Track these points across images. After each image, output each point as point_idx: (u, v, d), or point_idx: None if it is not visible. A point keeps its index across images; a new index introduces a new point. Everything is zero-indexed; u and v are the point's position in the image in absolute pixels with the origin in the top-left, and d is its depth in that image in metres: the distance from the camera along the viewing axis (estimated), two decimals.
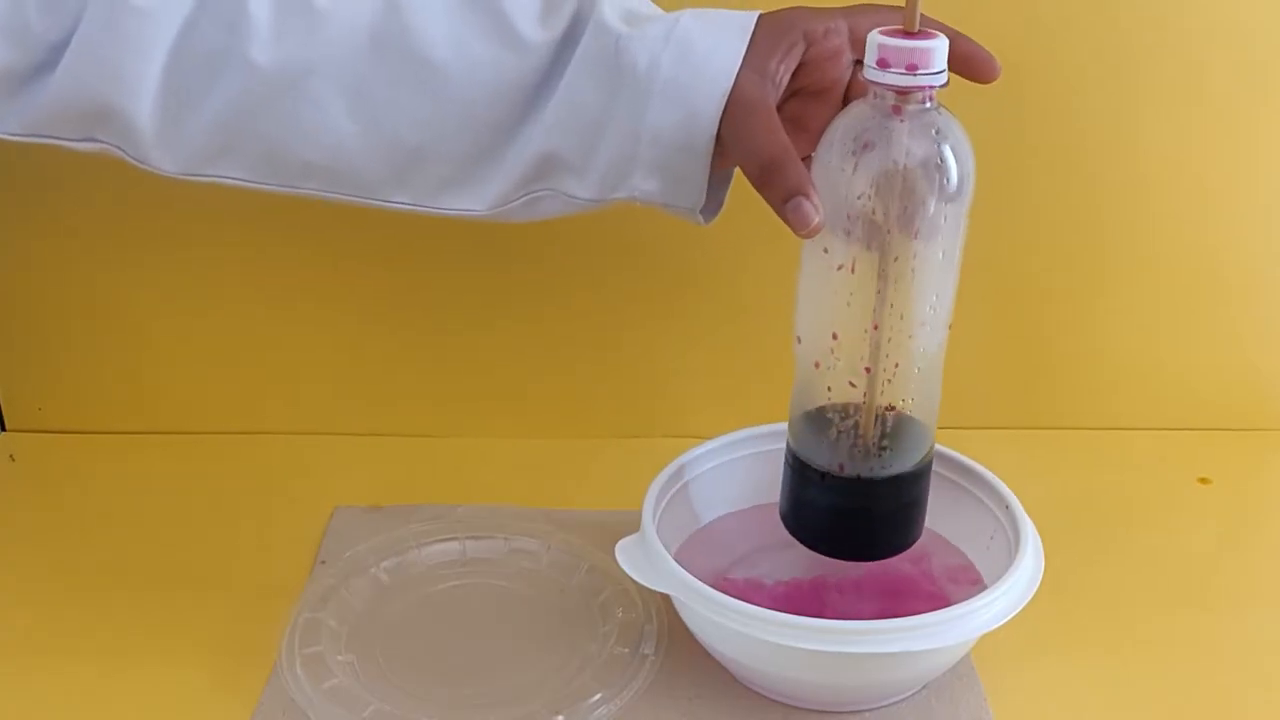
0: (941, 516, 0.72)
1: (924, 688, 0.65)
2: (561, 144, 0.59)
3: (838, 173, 0.57)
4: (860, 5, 0.61)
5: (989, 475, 0.70)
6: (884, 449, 0.61)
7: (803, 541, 0.65)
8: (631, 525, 0.66)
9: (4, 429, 0.90)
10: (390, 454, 0.87)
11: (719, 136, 0.57)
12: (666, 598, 0.64)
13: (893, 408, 0.61)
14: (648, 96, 0.57)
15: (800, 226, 0.56)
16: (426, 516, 0.78)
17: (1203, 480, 0.84)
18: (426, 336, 0.87)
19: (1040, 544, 0.65)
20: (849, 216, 0.57)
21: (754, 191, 0.85)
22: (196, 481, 0.84)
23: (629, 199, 0.60)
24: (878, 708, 0.64)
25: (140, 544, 0.77)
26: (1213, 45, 0.79)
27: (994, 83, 0.60)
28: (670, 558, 0.64)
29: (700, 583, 0.62)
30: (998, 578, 0.62)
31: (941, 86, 0.56)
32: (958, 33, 0.61)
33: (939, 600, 0.69)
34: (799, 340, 0.62)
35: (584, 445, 0.87)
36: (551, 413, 0.88)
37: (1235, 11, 0.78)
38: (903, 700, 0.65)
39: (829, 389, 0.61)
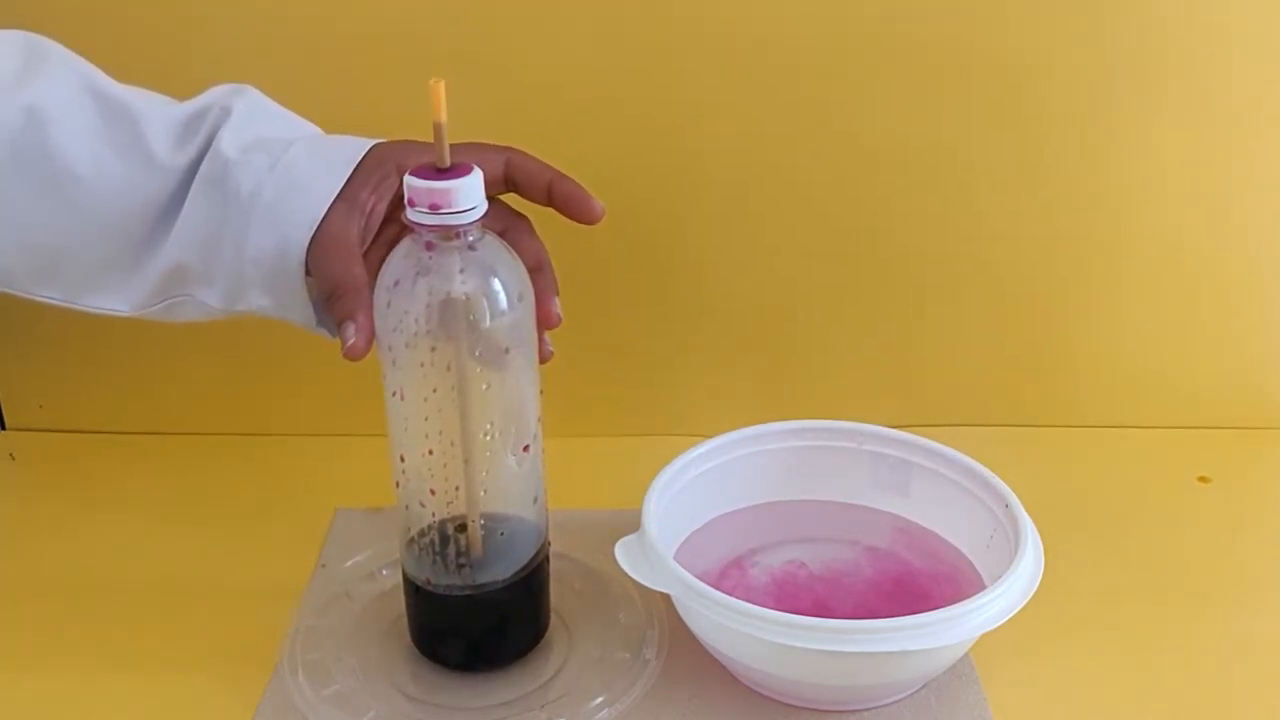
0: (941, 515, 0.73)
1: (924, 687, 0.65)
2: (189, 258, 0.63)
3: (382, 306, 0.59)
4: (468, 144, 0.62)
5: (988, 474, 0.70)
6: (462, 565, 0.63)
7: (421, 651, 0.66)
8: (632, 525, 0.66)
9: (4, 427, 0.90)
10: None
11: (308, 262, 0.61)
12: (668, 602, 0.64)
13: (463, 527, 0.63)
14: (248, 221, 0.61)
15: (343, 347, 0.58)
16: None
17: (1202, 479, 0.84)
18: None
19: (1040, 543, 0.66)
20: (390, 348, 0.59)
21: (756, 196, 0.85)
22: (197, 482, 0.84)
23: (248, 311, 0.64)
24: (878, 707, 0.64)
25: (140, 545, 0.77)
26: (1210, 46, 0.78)
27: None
28: (670, 557, 0.64)
29: (700, 582, 0.62)
30: (997, 577, 0.62)
31: (471, 224, 0.57)
32: (559, 173, 0.63)
33: (938, 599, 0.69)
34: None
35: (584, 444, 0.86)
36: (551, 411, 0.88)
37: (1226, 11, 0.78)
38: (903, 700, 0.65)
39: (406, 507, 0.63)
